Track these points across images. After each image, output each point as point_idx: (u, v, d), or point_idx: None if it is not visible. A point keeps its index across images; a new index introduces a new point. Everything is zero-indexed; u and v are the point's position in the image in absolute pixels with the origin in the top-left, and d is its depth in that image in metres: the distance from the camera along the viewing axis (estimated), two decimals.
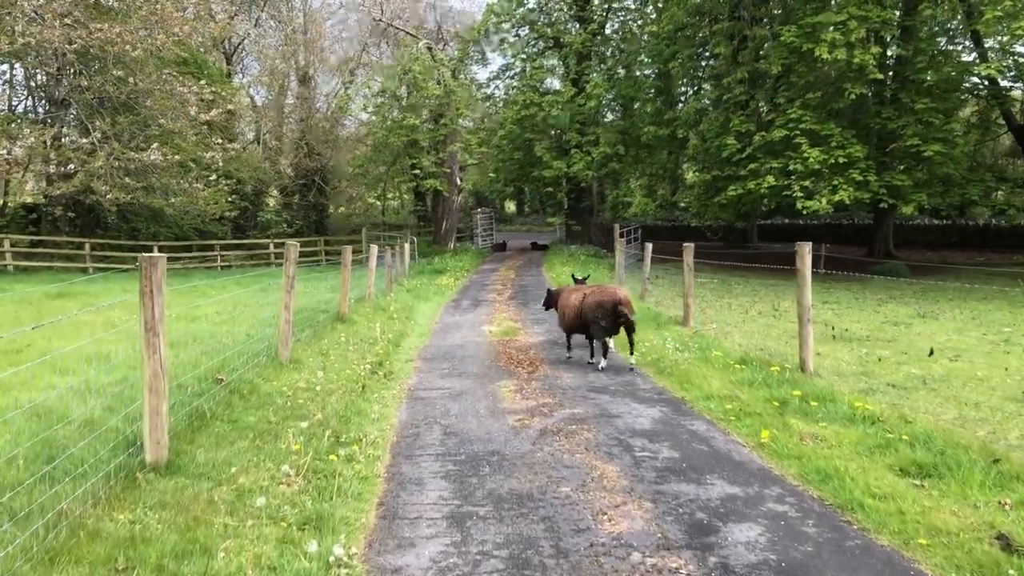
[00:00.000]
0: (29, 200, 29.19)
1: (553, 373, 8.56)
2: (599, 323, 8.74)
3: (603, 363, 8.86)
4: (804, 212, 29.53)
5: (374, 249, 15.27)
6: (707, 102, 30.11)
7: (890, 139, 25.08)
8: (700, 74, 31.40)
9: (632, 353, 8.96)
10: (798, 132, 24.07)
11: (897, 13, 24.72)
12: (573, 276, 11.72)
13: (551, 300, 10.55)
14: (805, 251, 7.88)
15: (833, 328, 12.17)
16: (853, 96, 24.76)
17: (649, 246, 15.97)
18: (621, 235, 26.15)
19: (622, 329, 8.89)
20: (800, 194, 24.41)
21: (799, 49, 24.29)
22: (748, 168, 25.24)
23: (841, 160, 23.54)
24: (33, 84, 28.34)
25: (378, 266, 19.35)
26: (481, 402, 7.10)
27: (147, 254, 4.35)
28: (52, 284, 18.39)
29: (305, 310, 12.51)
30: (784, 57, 24.91)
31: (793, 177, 24.27)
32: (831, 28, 23.13)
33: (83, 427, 5.34)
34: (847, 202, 24.69)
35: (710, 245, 37.08)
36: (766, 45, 26.63)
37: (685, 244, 12.05)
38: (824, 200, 24.03)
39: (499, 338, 11.38)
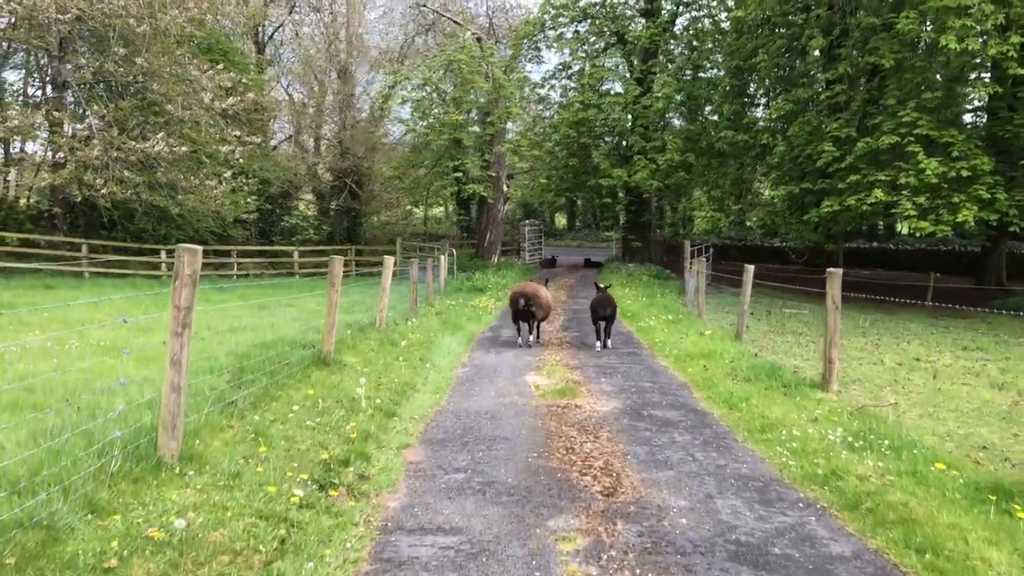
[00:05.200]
0: (20, 198, 26.55)
1: (648, 491, 4.81)
2: (512, 309, 11.46)
3: (519, 340, 11.69)
4: (918, 235, 25.36)
5: (388, 263, 11.69)
6: (791, 105, 25.97)
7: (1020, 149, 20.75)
8: (787, 72, 27.31)
9: (532, 335, 11.71)
10: (912, 139, 19.88)
11: None
12: (596, 284, 12.51)
13: None
14: None
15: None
16: (987, 95, 20.67)
17: (750, 269, 12.08)
18: (692, 254, 22.32)
19: None
20: (913, 213, 20.21)
21: (916, 40, 20.24)
22: (847, 181, 21.09)
23: (964, 173, 19.31)
24: (42, 65, 25.71)
25: (406, 280, 16.00)
26: None
27: None
28: (8, 290, 15.33)
29: (280, 344, 8.97)
30: (896, 50, 20.78)
31: (905, 192, 20.08)
32: (961, 14, 19.02)
33: None
34: (971, 223, 20.45)
35: (789, 269, 32.87)
36: (873, 37, 22.44)
37: (830, 270, 8.16)
38: (934, 219, 19.87)
39: (550, 400, 7.65)
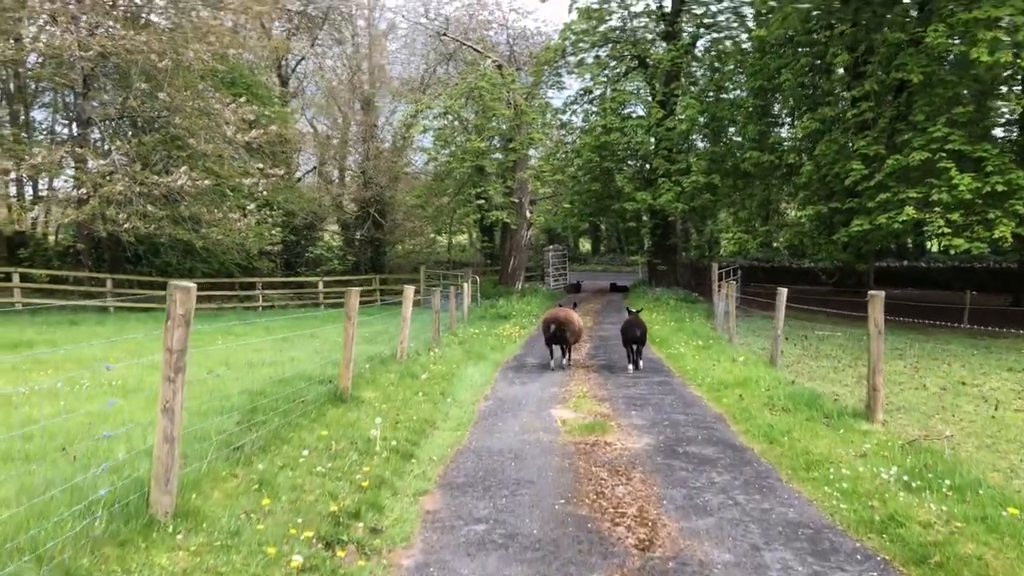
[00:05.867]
0: (48, 235, 26.79)
1: (687, 543, 4.39)
2: (544, 335, 12.02)
3: (551, 363, 12.04)
4: (952, 252, 24.64)
5: (408, 293, 11.40)
6: (817, 123, 25.40)
7: None
8: (812, 90, 26.84)
9: (565, 359, 12.16)
10: (943, 154, 19.30)
11: None
12: (628, 308, 12.58)
13: None
14: None
15: None
16: (1020, 108, 20.13)
17: (783, 292, 11.60)
18: (720, 277, 21.81)
19: None
20: (946, 230, 19.59)
21: (945, 54, 19.76)
22: (877, 199, 20.50)
23: (999, 188, 18.67)
24: (67, 103, 26.04)
25: (429, 309, 15.80)
26: None
27: None
28: (32, 327, 15.25)
29: (298, 380, 8.67)
30: (924, 65, 20.26)
31: (937, 209, 19.49)
32: (991, 26, 18.55)
33: None
34: (1008, 239, 19.77)
35: (818, 290, 32.11)
36: (900, 53, 21.92)
37: (872, 293, 7.67)
38: (969, 236, 19.24)
39: (578, 436, 7.23)
